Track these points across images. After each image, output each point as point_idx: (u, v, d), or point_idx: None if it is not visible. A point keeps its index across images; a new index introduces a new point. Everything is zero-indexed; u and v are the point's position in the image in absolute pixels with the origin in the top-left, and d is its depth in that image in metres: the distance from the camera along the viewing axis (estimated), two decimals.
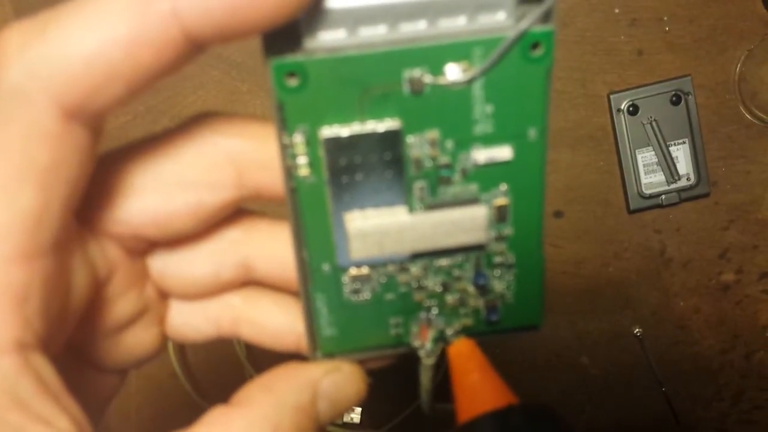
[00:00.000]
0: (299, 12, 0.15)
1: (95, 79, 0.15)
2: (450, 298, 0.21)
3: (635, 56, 0.54)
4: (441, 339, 0.21)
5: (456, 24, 0.17)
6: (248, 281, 0.22)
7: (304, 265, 0.20)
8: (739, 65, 0.54)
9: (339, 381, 0.20)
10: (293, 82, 0.17)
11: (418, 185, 0.19)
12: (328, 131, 0.18)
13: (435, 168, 0.18)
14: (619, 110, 0.54)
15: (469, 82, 0.17)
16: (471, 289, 0.21)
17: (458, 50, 0.17)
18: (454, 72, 0.17)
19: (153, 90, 0.56)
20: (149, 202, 0.18)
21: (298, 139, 0.18)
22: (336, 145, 0.18)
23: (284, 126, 0.18)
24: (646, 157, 0.54)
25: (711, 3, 0.53)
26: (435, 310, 0.21)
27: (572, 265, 0.56)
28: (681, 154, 0.54)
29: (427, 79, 0.17)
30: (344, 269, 0.20)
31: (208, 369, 0.57)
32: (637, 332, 0.56)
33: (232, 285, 0.21)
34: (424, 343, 0.21)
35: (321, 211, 0.19)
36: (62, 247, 0.17)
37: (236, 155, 0.19)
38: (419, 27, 0.17)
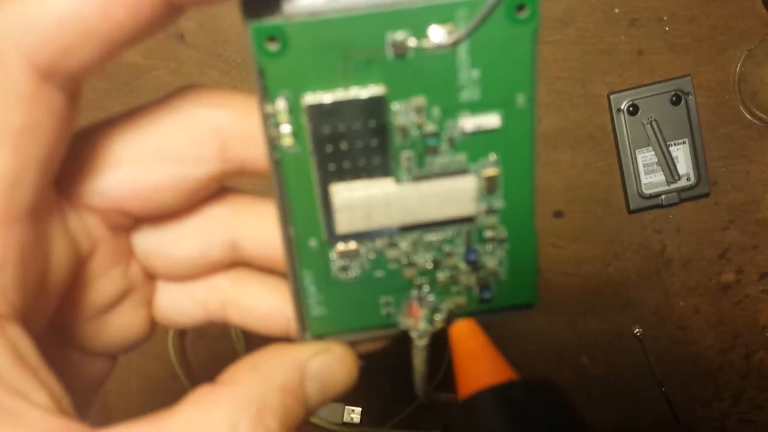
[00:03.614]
0: None
1: (68, 37, 0.14)
2: (441, 276, 0.20)
3: (635, 56, 0.54)
4: (433, 319, 0.20)
5: None
6: (236, 262, 0.21)
7: (290, 242, 0.19)
8: (739, 65, 0.54)
9: (328, 362, 0.19)
10: (274, 47, 0.16)
11: (405, 155, 0.18)
12: (311, 98, 0.17)
13: (421, 137, 0.18)
14: (619, 110, 0.54)
15: (454, 45, 0.17)
16: (462, 265, 0.20)
17: (442, 12, 0.16)
18: (438, 34, 0.16)
19: (152, 92, 0.56)
20: (130, 174, 0.18)
21: (281, 106, 0.17)
22: (319, 111, 0.17)
23: (266, 93, 0.17)
24: (646, 157, 0.54)
25: (711, 3, 0.53)
26: (426, 288, 0.20)
27: (572, 265, 0.56)
28: (681, 154, 0.54)
29: (411, 42, 0.17)
30: (331, 244, 0.19)
31: (208, 369, 0.57)
32: (637, 332, 0.56)
33: (219, 265, 0.21)
34: (415, 322, 0.20)
35: (306, 183, 0.18)
36: (40, 216, 0.16)
37: (219, 127, 0.18)
38: None
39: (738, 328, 0.56)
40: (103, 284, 0.20)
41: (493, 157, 0.18)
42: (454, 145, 0.18)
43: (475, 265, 0.20)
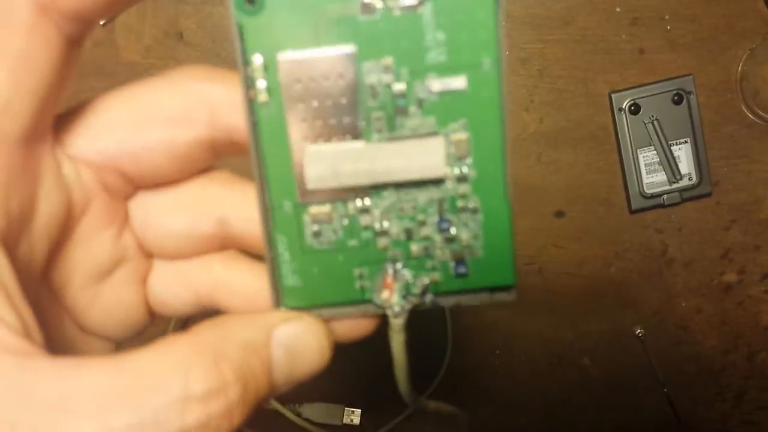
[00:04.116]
0: None
1: None
2: (415, 247, 0.20)
3: (636, 55, 0.54)
4: (408, 293, 0.20)
5: None
6: (226, 243, 0.22)
7: (266, 206, 0.20)
8: (740, 64, 0.54)
9: (298, 330, 0.19)
10: (251, 6, 0.18)
11: (375, 115, 0.19)
12: (286, 55, 0.18)
13: (391, 97, 0.19)
14: (620, 109, 0.53)
15: (419, 6, 0.18)
16: (437, 237, 0.20)
17: None
18: None
19: None
20: (124, 133, 0.19)
21: (257, 61, 0.18)
22: (292, 66, 0.18)
23: (244, 50, 0.18)
24: (647, 156, 0.54)
25: (712, 2, 0.53)
26: (400, 262, 0.20)
27: (573, 265, 0.55)
28: (683, 154, 0.54)
29: (378, 3, 0.18)
30: (305, 205, 0.20)
31: None
32: (638, 333, 0.55)
33: (209, 242, 0.21)
34: (389, 296, 0.20)
35: (281, 144, 0.19)
36: (32, 148, 0.18)
37: (209, 97, 0.19)
38: None
39: (740, 328, 0.56)
40: (96, 245, 0.20)
41: (462, 121, 0.19)
42: (423, 107, 0.19)
43: (448, 236, 0.20)
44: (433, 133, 0.19)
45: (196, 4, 0.56)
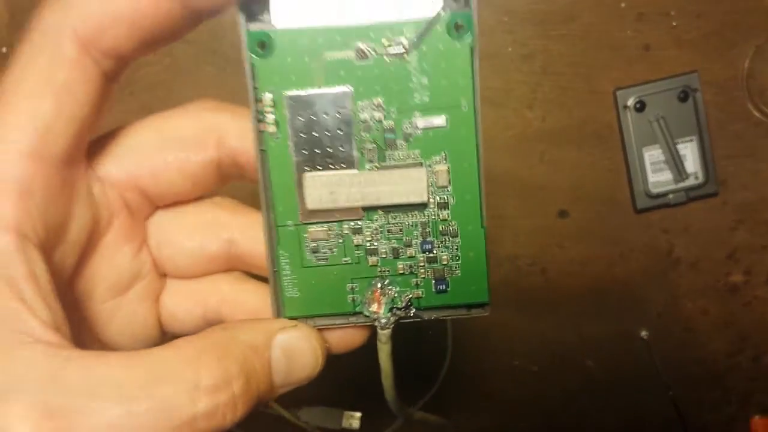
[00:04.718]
0: None
1: (105, 19, 0.19)
2: (401, 265, 0.23)
3: (642, 51, 0.53)
4: (393, 307, 0.23)
5: (400, 13, 0.21)
6: (232, 264, 0.25)
7: (270, 225, 0.22)
8: (747, 61, 0.53)
9: (295, 336, 0.22)
10: (263, 49, 0.21)
11: (368, 147, 0.22)
12: (292, 93, 0.21)
13: (381, 131, 0.22)
14: (625, 107, 0.53)
15: (405, 53, 0.21)
16: (420, 256, 0.23)
17: (395, 28, 0.21)
18: (393, 45, 0.21)
19: (147, 88, 0.55)
20: (146, 154, 0.22)
21: (267, 98, 0.21)
22: (297, 103, 0.21)
23: (256, 88, 0.21)
24: (653, 155, 0.53)
25: None
26: (388, 278, 0.23)
27: (577, 265, 0.54)
28: (689, 152, 0.53)
29: (373, 50, 0.21)
30: (305, 224, 0.23)
31: None
32: (643, 335, 0.55)
33: (217, 261, 0.24)
34: (378, 308, 0.23)
35: (286, 170, 0.22)
36: (68, 169, 0.20)
37: (217, 125, 0.23)
38: (370, 14, 0.21)
39: (746, 330, 0.55)
40: (117, 260, 0.23)
41: (443, 154, 0.22)
42: (409, 141, 0.22)
43: (431, 256, 0.23)
44: (417, 164, 0.22)
45: None
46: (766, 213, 0.54)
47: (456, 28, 0.21)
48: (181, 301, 0.25)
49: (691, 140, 0.53)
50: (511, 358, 0.56)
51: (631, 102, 0.52)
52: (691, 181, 0.53)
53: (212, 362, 0.19)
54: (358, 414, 0.56)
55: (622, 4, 0.53)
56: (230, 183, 0.24)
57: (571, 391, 0.56)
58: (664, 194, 0.53)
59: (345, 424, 0.55)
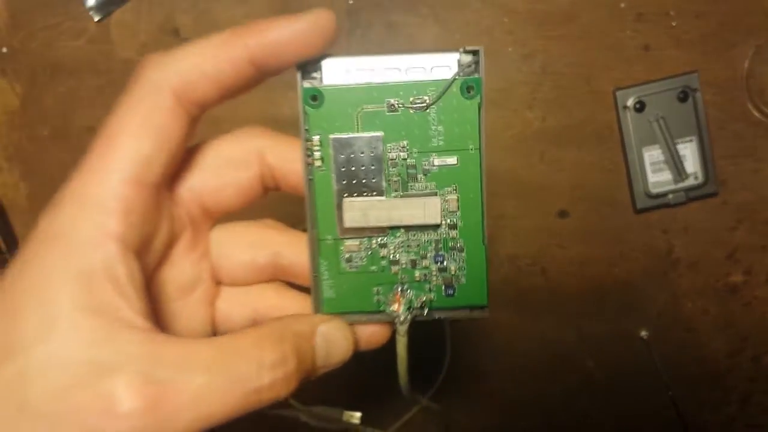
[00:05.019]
0: (320, 51, 0.25)
1: (195, 77, 0.24)
2: (417, 274, 0.28)
3: (641, 51, 0.53)
4: (411, 307, 0.28)
5: (423, 76, 0.27)
6: (277, 272, 0.29)
7: (313, 238, 0.28)
8: (747, 61, 0.53)
9: (333, 328, 0.27)
10: (314, 101, 0.27)
11: (394, 179, 0.27)
12: (336, 136, 0.27)
13: (405, 167, 0.27)
14: (625, 107, 0.53)
15: (426, 108, 0.27)
16: (433, 267, 0.28)
17: (418, 87, 0.27)
18: (416, 101, 0.27)
19: None
20: (206, 174, 0.27)
21: (315, 139, 0.27)
22: (340, 144, 0.27)
23: (307, 131, 0.27)
24: (653, 155, 0.53)
25: None
26: (407, 284, 0.28)
27: (577, 265, 0.54)
28: (688, 153, 0.53)
29: (400, 104, 0.27)
30: (342, 240, 0.28)
31: None
32: (643, 335, 0.55)
33: (265, 271, 0.29)
34: (398, 308, 0.28)
35: (328, 195, 0.27)
36: (159, 191, 0.25)
37: (260, 147, 0.28)
38: (399, 76, 0.27)
39: (746, 330, 0.55)
40: (183, 266, 0.28)
41: (453, 186, 0.27)
42: (427, 176, 0.27)
43: (442, 267, 0.28)
44: (433, 194, 0.27)
45: (192, 0, 0.55)
46: (766, 213, 0.54)
47: (467, 90, 0.27)
48: (234, 306, 0.30)
49: (691, 140, 0.53)
50: (511, 358, 0.56)
51: (630, 102, 0.52)
52: (690, 181, 0.53)
53: (272, 345, 0.24)
54: (358, 414, 0.56)
55: (622, 4, 0.53)
56: (268, 194, 0.30)
57: (571, 390, 0.56)
58: (664, 194, 0.53)
59: (345, 424, 0.55)
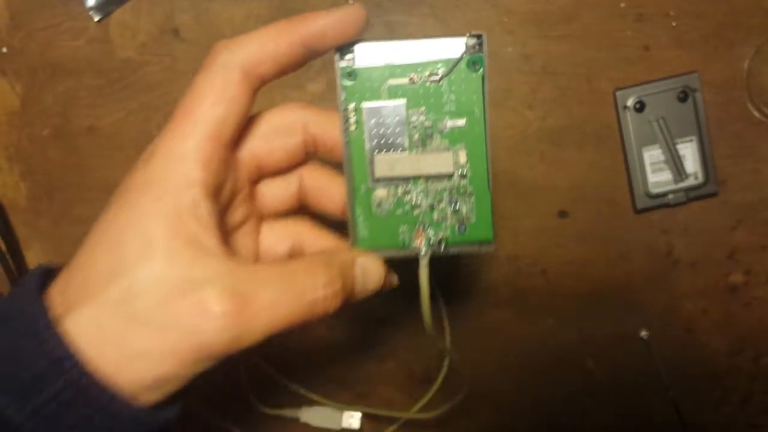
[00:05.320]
0: (354, 37, 0.31)
1: (259, 57, 0.30)
2: (435, 215, 0.34)
3: (641, 51, 0.53)
4: (430, 243, 0.34)
5: (437, 55, 0.33)
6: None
7: (350, 189, 0.34)
8: (747, 61, 0.53)
9: (369, 260, 0.33)
10: (349, 78, 0.33)
11: (415, 139, 0.33)
12: (367, 104, 0.33)
13: (424, 129, 0.33)
14: (625, 107, 0.53)
15: (440, 80, 0.33)
16: (448, 209, 0.34)
17: (433, 64, 0.33)
18: (432, 75, 0.33)
19: (146, 88, 0.55)
20: (263, 139, 0.33)
21: (351, 107, 0.33)
22: (371, 110, 0.33)
23: (344, 101, 0.33)
24: (652, 155, 0.53)
25: None
26: (426, 223, 0.34)
27: (577, 266, 0.54)
28: (688, 153, 0.53)
29: (419, 78, 0.33)
30: (373, 189, 0.34)
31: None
32: (643, 335, 0.55)
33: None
34: (420, 244, 0.34)
35: (361, 153, 0.34)
36: (229, 148, 0.31)
37: (304, 117, 0.34)
38: (417, 56, 0.33)
39: (746, 330, 0.55)
40: (238, 211, 0.34)
41: (462, 143, 0.33)
42: (441, 135, 0.33)
43: (455, 209, 0.34)
44: (446, 149, 0.33)
45: (192, 0, 0.55)
46: (766, 213, 0.54)
47: (473, 65, 0.33)
48: (274, 240, 0.36)
49: (691, 140, 0.53)
50: (511, 359, 0.56)
51: (630, 102, 0.52)
52: (690, 181, 0.53)
53: (323, 269, 0.30)
54: (358, 414, 0.56)
55: (622, 4, 0.53)
56: (310, 159, 0.36)
57: (571, 391, 0.56)
58: (664, 194, 0.53)
59: (345, 424, 0.55)
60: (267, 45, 0.30)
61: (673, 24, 0.53)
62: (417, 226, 0.34)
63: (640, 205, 0.53)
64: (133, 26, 0.55)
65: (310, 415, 0.55)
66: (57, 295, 0.27)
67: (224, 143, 0.30)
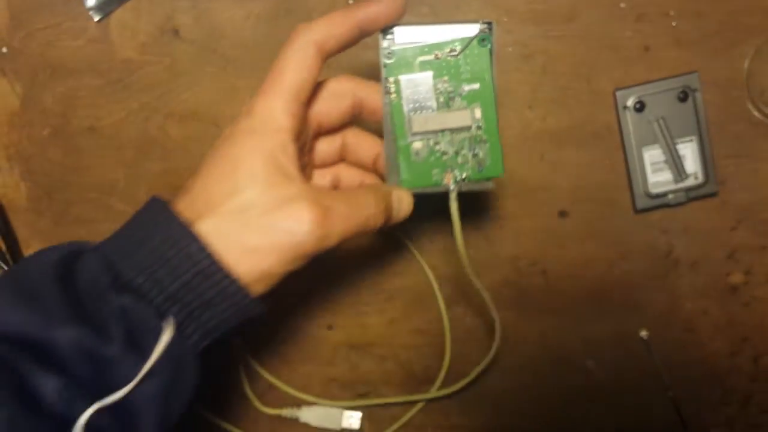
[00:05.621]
0: (395, 22, 0.40)
1: (328, 37, 0.38)
2: (459, 159, 0.42)
3: (641, 52, 0.53)
4: (456, 180, 0.42)
5: (460, 34, 0.42)
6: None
7: (393, 144, 0.42)
8: (747, 61, 0.53)
9: (403, 192, 0.42)
10: (390, 56, 0.41)
11: (440, 101, 0.42)
12: (404, 77, 0.42)
13: (447, 93, 0.42)
14: (625, 107, 0.53)
15: (458, 54, 0.41)
16: (469, 154, 0.42)
17: (452, 43, 0.41)
18: (452, 52, 0.41)
19: (146, 88, 0.55)
20: (323, 102, 0.42)
21: (391, 80, 0.42)
22: (406, 81, 0.42)
23: (386, 75, 0.42)
24: (652, 155, 0.53)
25: None
26: (453, 166, 0.42)
27: (577, 266, 0.54)
28: (688, 153, 0.53)
29: (442, 54, 0.41)
30: (411, 142, 0.42)
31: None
32: (643, 335, 0.54)
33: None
34: (449, 181, 0.42)
35: (401, 115, 0.42)
36: (305, 106, 0.39)
37: (352, 86, 0.42)
38: (440, 37, 0.42)
39: (746, 330, 0.55)
40: (303, 157, 0.41)
41: (477, 103, 0.42)
42: (461, 97, 0.42)
43: (474, 153, 0.42)
44: (465, 108, 0.42)
45: (192, 0, 0.55)
46: (766, 213, 0.54)
47: (482, 41, 0.41)
48: (319, 178, 0.46)
49: (691, 140, 0.53)
50: (511, 359, 0.56)
51: (630, 102, 0.52)
52: (690, 181, 0.53)
53: (373, 194, 0.40)
54: (359, 414, 0.56)
55: (622, 5, 0.53)
56: (354, 121, 0.44)
57: (572, 391, 0.56)
58: (664, 194, 0.53)
59: (345, 424, 0.55)
60: (334, 27, 0.38)
61: (673, 24, 0.53)
62: (446, 169, 0.42)
63: (640, 205, 0.53)
64: (133, 26, 0.55)
65: (310, 415, 0.55)
66: (183, 209, 0.35)
67: (302, 101, 0.38)
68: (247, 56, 0.55)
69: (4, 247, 0.56)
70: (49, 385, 0.30)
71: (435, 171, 0.42)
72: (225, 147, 0.36)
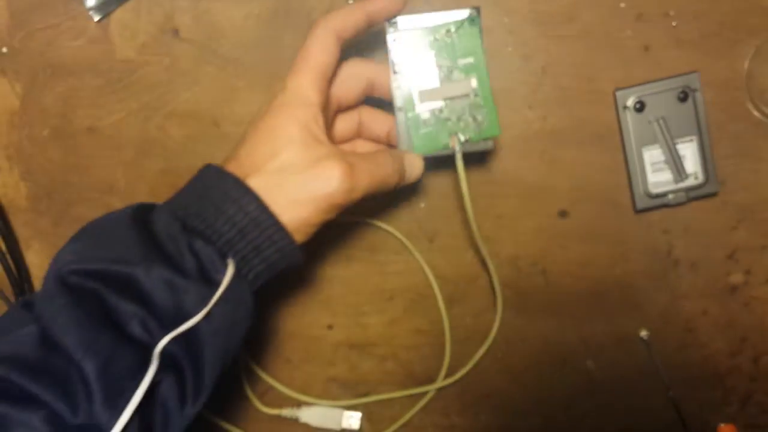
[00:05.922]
0: (398, 13, 0.47)
1: (345, 26, 0.44)
2: (461, 124, 0.47)
3: (641, 52, 0.53)
4: (460, 142, 0.47)
5: (453, 18, 0.48)
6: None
7: (404, 116, 0.47)
8: (747, 61, 0.53)
9: (414, 156, 0.47)
10: (395, 40, 0.47)
11: (442, 74, 0.47)
12: (408, 57, 0.47)
13: (447, 67, 0.47)
14: (625, 107, 0.53)
15: (453, 33, 0.47)
16: (469, 119, 0.47)
17: (449, 25, 0.47)
18: (448, 32, 0.47)
19: (146, 88, 0.55)
20: (342, 83, 0.47)
21: (398, 60, 0.47)
22: (411, 61, 0.47)
23: (393, 57, 0.47)
24: (653, 155, 0.53)
25: None
26: (456, 130, 0.47)
27: (578, 266, 0.54)
28: (688, 152, 0.53)
29: (440, 35, 0.47)
30: (418, 114, 0.47)
31: None
32: (643, 335, 0.54)
33: (355, 135, 0.51)
34: (454, 144, 0.47)
35: (408, 90, 0.47)
36: (329, 88, 0.45)
37: (365, 68, 0.47)
38: (437, 20, 0.48)
39: (746, 330, 0.55)
40: (327, 131, 0.44)
41: (473, 74, 0.47)
42: (459, 69, 0.47)
43: (474, 117, 0.47)
44: (463, 79, 0.47)
45: (191, 0, 0.55)
46: (766, 213, 0.54)
47: (472, 21, 0.47)
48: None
49: (691, 140, 0.53)
50: (511, 359, 0.56)
51: (630, 102, 0.52)
52: (690, 181, 0.53)
53: (390, 156, 0.45)
54: (358, 414, 0.56)
55: (622, 4, 0.53)
56: (366, 99, 0.49)
57: (572, 391, 0.56)
58: (664, 194, 0.53)
59: (345, 424, 0.55)
60: (349, 18, 0.44)
61: (673, 24, 0.53)
62: (452, 134, 0.47)
63: (640, 205, 0.53)
64: (133, 26, 0.55)
65: (310, 415, 0.55)
66: (234, 169, 0.40)
67: (327, 79, 0.43)
68: (247, 56, 0.55)
69: (4, 247, 0.56)
70: (132, 315, 0.35)
71: (441, 136, 0.47)
72: (264, 119, 0.42)
